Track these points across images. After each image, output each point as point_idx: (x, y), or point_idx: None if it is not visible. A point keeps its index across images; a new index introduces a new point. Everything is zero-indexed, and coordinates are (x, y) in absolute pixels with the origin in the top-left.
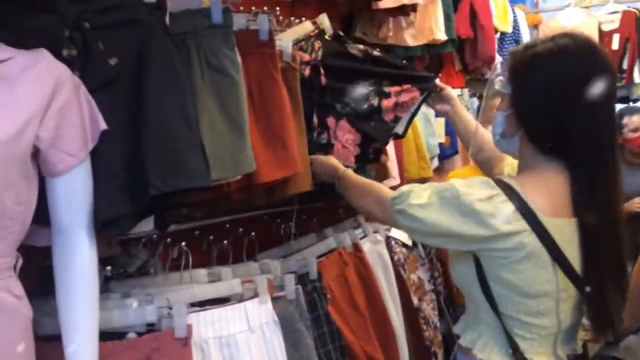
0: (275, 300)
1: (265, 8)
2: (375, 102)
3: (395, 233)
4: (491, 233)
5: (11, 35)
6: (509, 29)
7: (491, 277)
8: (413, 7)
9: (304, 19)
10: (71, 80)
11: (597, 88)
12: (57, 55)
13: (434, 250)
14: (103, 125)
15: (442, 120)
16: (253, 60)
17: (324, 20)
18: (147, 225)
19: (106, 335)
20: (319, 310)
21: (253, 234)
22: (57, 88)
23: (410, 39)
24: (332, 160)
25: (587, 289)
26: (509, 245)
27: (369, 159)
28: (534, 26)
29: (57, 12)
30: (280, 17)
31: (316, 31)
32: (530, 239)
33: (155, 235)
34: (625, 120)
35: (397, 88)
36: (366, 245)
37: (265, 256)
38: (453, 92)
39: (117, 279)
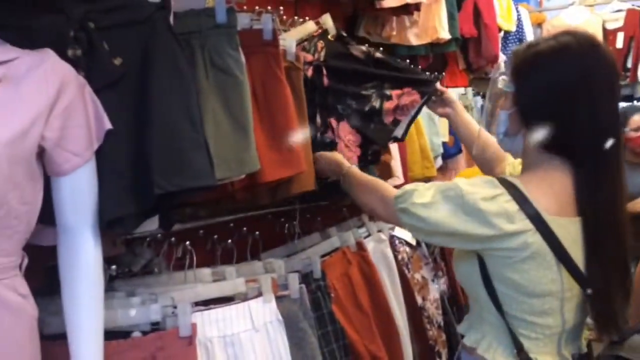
0: (279, 299)
1: (269, 7)
2: (377, 104)
3: (399, 232)
4: (495, 232)
5: (16, 35)
6: (512, 28)
7: (495, 276)
8: (417, 6)
9: (307, 18)
10: (76, 80)
11: (599, 86)
12: (62, 55)
13: (438, 250)
14: (108, 125)
15: (445, 119)
16: (257, 59)
17: (327, 20)
18: (151, 225)
19: (111, 334)
20: (323, 309)
21: (257, 233)
22: (62, 88)
23: (414, 38)
24: (338, 156)
25: (588, 290)
26: (513, 245)
27: (368, 161)
28: (538, 25)
29: (62, 12)
30: (284, 17)
31: (319, 31)
32: (535, 239)
33: (159, 235)
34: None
35: (398, 91)
36: (370, 245)
37: (269, 255)
38: (454, 95)
39: (122, 278)
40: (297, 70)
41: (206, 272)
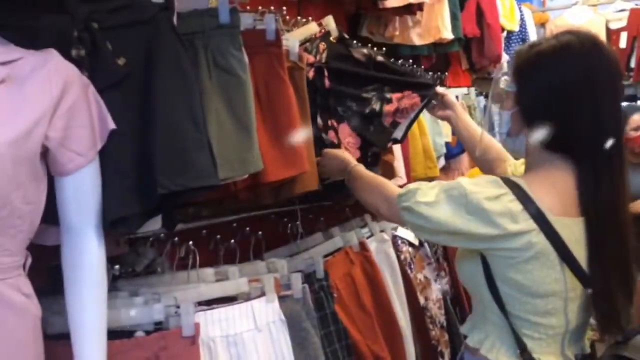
0: (282, 299)
1: (272, 8)
2: (377, 106)
3: (402, 232)
4: (499, 232)
5: (20, 35)
6: (515, 28)
7: (499, 276)
8: (419, 6)
9: (310, 18)
10: (80, 80)
11: (601, 85)
12: (66, 55)
13: (441, 250)
14: (111, 125)
15: None
16: (260, 59)
17: (329, 22)
18: (154, 225)
19: (114, 334)
20: (326, 309)
21: (260, 233)
22: (66, 88)
23: (417, 38)
24: (344, 154)
25: (589, 290)
26: (517, 245)
27: (367, 163)
28: (541, 25)
29: (66, 13)
30: (287, 17)
31: (321, 33)
32: (539, 239)
33: (162, 235)
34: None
35: (398, 94)
36: (373, 245)
37: (272, 255)
38: (454, 98)
39: (125, 278)
40: (300, 70)
41: (209, 271)
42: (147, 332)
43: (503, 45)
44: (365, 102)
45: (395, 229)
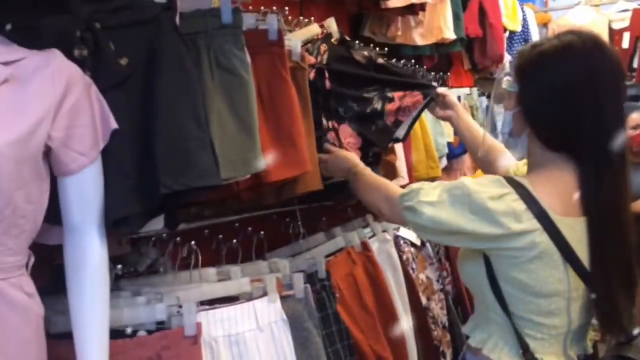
0: (284, 299)
1: (274, 8)
2: (378, 106)
3: (404, 232)
4: (503, 232)
5: (23, 35)
6: (518, 28)
7: (502, 276)
8: (422, 6)
9: (312, 18)
10: (82, 80)
11: (603, 85)
12: (69, 55)
13: (443, 250)
14: (114, 125)
15: None
16: (262, 59)
17: (331, 24)
18: (157, 224)
19: (116, 333)
20: (328, 309)
21: (262, 233)
22: (68, 88)
23: (419, 38)
24: (350, 155)
25: (593, 295)
26: (521, 245)
27: (369, 163)
28: (544, 25)
29: (68, 13)
30: (289, 17)
31: (323, 34)
32: (542, 238)
33: (165, 234)
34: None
35: (400, 93)
36: (375, 245)
37: (274, 255)
38: (455, 99)
39: (128, 278)
40: (302, 70)
41: (211, 271)
42: (149, 332)
43: (505, 45)
44: (366, 102)
45: (397, 229)
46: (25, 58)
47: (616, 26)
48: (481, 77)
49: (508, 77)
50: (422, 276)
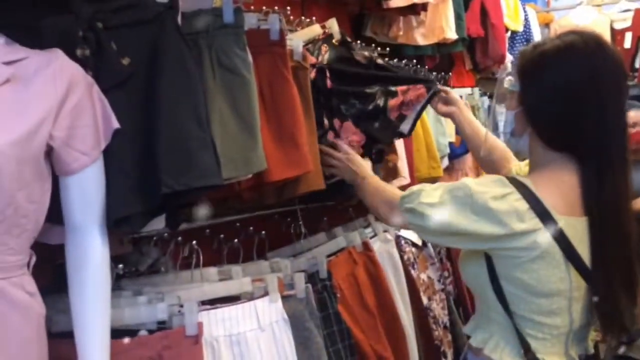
0: (285, 298)
1: (276, 7)
2: (381, 102)
3: (405, 232)
4: (506, 232)
5: (25, 35)
6: (520, 28)
7: (503, 276)
8: (424, 6)
9: (314, 18)
10: (84, 80)
11: (605, 85)
12: (71, 55)
13: (444, 250)
14: (116, 125)
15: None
16: (264, 59)
17: (333, 24)
18: (158, 224)
19: (118, 333)
20: (329, 309)
21: (263, 232)
22: (70, 87)
23: (421, 38)
24: (362, 163)
25: (595, 298)
26: (523, 244)
27: (372, 160)
28: (545, 25)
29: (71, 13)
30: (291, 17)
31: (324, 35)
32: (545, 238)
33: (166, 234)
34: None
35: (403, 87)
36: (376, 245)
37: (276, 255)
38: (457, 96)
39: (129, 277)
40: (304, 70)
41: (212, 271)
42: (151, 331)
43: (507, 45)
44: (368, 99)
45: (398, 229)
46: (27, 58)
47: (618, 26)
48: (483, 77)
49: (510, 77)
50: (423, 276)
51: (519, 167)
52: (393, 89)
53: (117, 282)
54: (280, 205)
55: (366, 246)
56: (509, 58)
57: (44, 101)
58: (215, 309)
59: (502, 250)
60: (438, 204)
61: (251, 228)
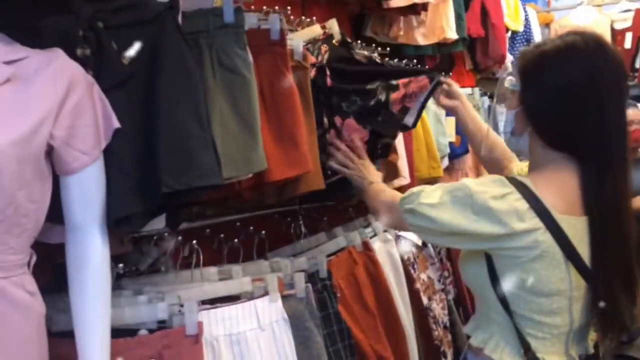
0: (285, 298)
1: (277, 7)
2: (382, 96)
3: (405, 232)
4: (506, 231)
5: (26, 35)
6: (520, 28)
7: (504, 276)
8: (424, 6)
9: (314, 18)
10: (85, 79)
11: (605, 86)
12: (71, 54)
13: (444, 250)
14: (116, 124)
15: (452, 119)
16: (264, 59)
17: (333, 25)
18: (158, 224)
19: (118, 332)
20: (329, 309)
21: (263, 232)
22: (71, 87)
23: (421, 38)
24: (373, 171)
25: (602, 304)
26: (523, 244)
27: (379, 155)
28: (546, 25)
29: (71, 12)
30: (291, 17)
31: (324, 35)
32: (545, 237)
33: (166, 234)
34: None
35: (405, 80)
36: (376, 244)
37: (276, 254)
38: (460, 89)
39: (129, 277)
40: (305, 69)
41: (213, 271)
42: (151, 331)
43: (507, 45)
44: (369, 94)
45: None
46: (28, 57)
47: (618, 26)
48: (483, 77)
49: (511, 77)
50: (423, 276)
51: (521, 167)
52: (394, 82)
53: (118, 282)
54: (281, 204)
55: (366, 246)
56: (509, 58)
57: (44, 100)
58: (215, 308)
59: (502, 250)
60: (438, 205)
61: (251, 228)
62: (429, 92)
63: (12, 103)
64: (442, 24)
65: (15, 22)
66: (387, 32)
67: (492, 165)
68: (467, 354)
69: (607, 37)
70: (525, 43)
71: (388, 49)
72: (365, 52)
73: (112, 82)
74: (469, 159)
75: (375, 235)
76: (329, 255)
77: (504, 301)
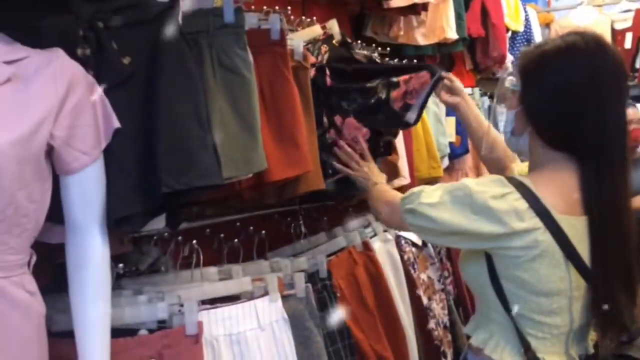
0: (285, 298)
1: (277, 7)
2: (383, 94)
3: (405, 232)
4: (506, 231)
5: (26, 35)
6: (520, 28)
7: (504, 276)
8: (424, 6)
9: (314, 18)
10: (85, 79)
11: (605, 86)
12: (71, 54)
13: (444, 250)
14: (116, 124)
15: (452, 119)
16: (264, 59)
17: (333, 25)
18: (158, 224)
19: (118, 332)
20: (329, 309)
21: (263, 232)
22: (71, 87)
23: (421, 38)
24: (379, 174)
25: (605, 306)
26: (523, 244)
27: (381, 153)
28: (546, 25)
29: (71, 12)
30: (292, 17)
31: (325, 35)
32: (545, 237)
33: (166, 233)
34: None
35: (405, 77)
36: (376, 244)
37: (276, 254)
38: (462, 85)
39: (129, 277)
40: (305, 70)
41: (213, 270)
42: (151, 331)
43: (508, 45)
44: (369, 93)
45: None
46: (28, 57)
47: (619, 26)
48: (483, 77)
49: (511, 77)
50: (423, 276)
51: (521, 167)
52: (394, 80)
53: (118, 282)
54: (281, 204)
55: (366, 246)
56: (509, 58)
57: (44, 100)
58: (215, 308)
59: (502, 250)
60: (438, 204)
61: (251, 228)
62: (430, 87)
63: (12, 103)
64: (442, 24)
65: (15, 22)
66: (387, 32)
67: (493, 164)
68: (467, 354)
69: (608, 37)
70: (525, 43)
71: (388, 49)
72: (365, 52)
73: (112, 82)
74: (469, 159)
75: (375, 235)
76: (329, 255)
77: (504, 301)
